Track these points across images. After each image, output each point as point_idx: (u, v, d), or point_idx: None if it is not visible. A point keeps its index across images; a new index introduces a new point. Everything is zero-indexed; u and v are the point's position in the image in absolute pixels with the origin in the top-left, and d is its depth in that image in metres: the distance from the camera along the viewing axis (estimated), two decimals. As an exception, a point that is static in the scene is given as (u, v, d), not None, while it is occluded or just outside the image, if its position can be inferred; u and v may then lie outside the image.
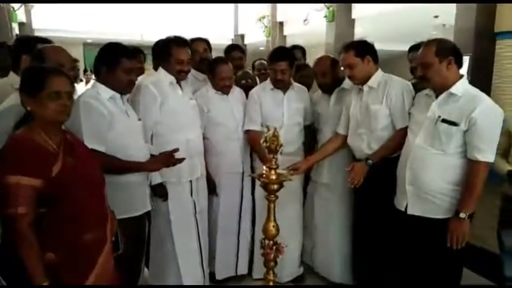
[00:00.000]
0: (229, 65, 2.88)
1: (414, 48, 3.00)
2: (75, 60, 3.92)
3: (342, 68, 2.65)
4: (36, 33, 11.97)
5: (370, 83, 2.54)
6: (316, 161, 2.84)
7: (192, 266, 2.68)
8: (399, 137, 2.43)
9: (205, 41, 3.25)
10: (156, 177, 2.46)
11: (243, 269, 3.08)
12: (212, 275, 2.99)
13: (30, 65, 1.83)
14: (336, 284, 2.98)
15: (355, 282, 2.88)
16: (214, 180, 2.91)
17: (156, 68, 2.86)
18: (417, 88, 2.53)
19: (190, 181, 2.66)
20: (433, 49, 2.11)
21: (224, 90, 2.89)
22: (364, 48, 2.54)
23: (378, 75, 2.56)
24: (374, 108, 2.51)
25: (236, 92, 3.02)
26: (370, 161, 2.50)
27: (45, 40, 2.37)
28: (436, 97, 2.18)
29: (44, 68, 1.65)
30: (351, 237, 2.89)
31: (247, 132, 2.95)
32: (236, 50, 3.59)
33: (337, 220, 2.92)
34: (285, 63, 2.84)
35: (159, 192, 2.50)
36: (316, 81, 2.95)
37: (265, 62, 4.16)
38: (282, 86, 2.92)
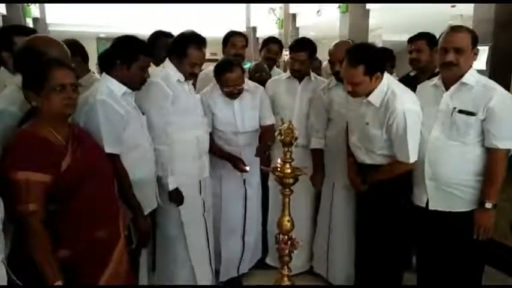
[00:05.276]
0: (236, 73, 2.63)
1: (414, 38, 2.90)
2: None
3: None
4: (50, 28, 12.09)
5: (371, 99, 2.21)
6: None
7: (204, 266, 2.62)
8: (397, 169, 2.23)
9: (244, 37, 3.24)
10: (172, 183, 2.37)
11: (244, 269, 3.03)
12: (217, 273, 2.89)
13: (28, 60, 1.67)
14: (341, 286, 2.89)
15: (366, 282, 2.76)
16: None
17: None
18: (418, 81, 2.46)
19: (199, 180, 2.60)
20: (469, 36, 2.07)
21: (231, 97, 2.74)
22: (378, 64, 2.16)
23: (381, 91, 2.19)
24: (373, 132, 2.25)
25: (246, 95, 2.79)
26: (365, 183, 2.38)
27: (22, 30, 2.17)
28: (446, 88, 2.14)
29: (45, 61, 1.59)
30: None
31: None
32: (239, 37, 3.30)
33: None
34: (304, 53, 2.86)
35: (175, 197, 2.41)
36: (332, 70, 2.75)
37: (273, 47, 3.62)
38: (298, 75, 2.95)
